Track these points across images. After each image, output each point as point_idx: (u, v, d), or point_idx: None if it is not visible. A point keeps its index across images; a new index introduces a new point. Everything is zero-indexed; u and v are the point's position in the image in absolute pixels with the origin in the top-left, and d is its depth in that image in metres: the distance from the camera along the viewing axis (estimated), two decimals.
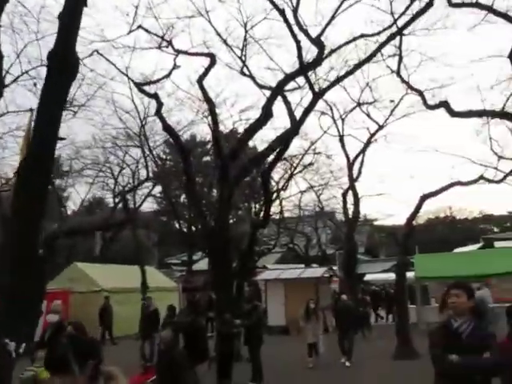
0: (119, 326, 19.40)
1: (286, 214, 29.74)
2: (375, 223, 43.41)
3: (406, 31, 14.55)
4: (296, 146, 22.70)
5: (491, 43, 16.37)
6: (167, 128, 13.69)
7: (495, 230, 60.81)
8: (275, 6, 10.15)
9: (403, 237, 14.94)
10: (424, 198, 15.79)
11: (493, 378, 4.08)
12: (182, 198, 33.41)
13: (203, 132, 27.23)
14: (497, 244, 23.68)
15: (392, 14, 12.29)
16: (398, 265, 14.43)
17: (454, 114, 13.73)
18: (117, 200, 25.73)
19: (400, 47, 14.96)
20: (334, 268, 25.56)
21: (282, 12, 10.03)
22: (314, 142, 22.28)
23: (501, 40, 15.88)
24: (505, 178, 16.93)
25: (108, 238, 29.75)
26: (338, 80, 12.30)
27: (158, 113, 13.86)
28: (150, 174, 22.45)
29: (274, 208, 26.41)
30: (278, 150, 12.66)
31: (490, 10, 12.75)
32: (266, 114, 12.02)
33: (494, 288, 18.92)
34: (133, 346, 17.60)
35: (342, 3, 11.68)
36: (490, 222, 67.20)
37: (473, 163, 16.39)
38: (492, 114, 14.34)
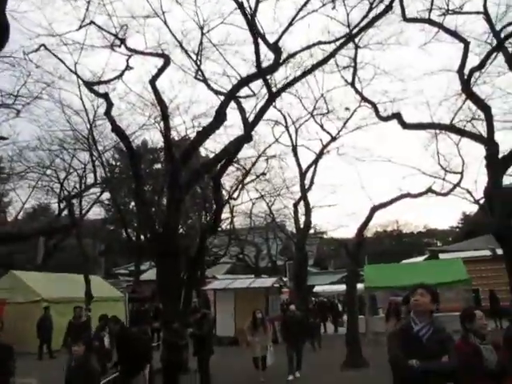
0: (61, 339, 18.43)
1: (237, 224, 29.50)
2: (325, 236, 44.04)
3: (360, 44, 14.84)
4: (248, 154, 22.59)
5: (441, 60, 16.96)
6: (116, 129, 13.08)
7: (438, 243, 63.52)
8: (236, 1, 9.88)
9: (354, 246, 14.96)
10: (374, 209, 15.96)
11: (450, 381, 3.94)
12: (131, 205, 32.48)
13: (155, 138, 26.60)
14: (441, 256, 24.48)
15: (348, 25, 12.39)
16: (349, 275, 14.43)
17: (405, 126, 13.94)
18: (62, 206, 24.53)
19: (355, 59, 15.18)
20: (285, 279, 25.52)
21: (240, 5, 9.80)
22: (267, 147, 22.20)
23: (450, 57, 16.51)
24: (451, 191, 17.47)
25: (51, 245, 28.34)
26: (295, 80, 12.20)
27: (108, 113, 13.28)
28: (98, 179, 21.56)
29: (225, 216, 26.17)
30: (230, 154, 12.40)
31: (441, 27, 13.12)
32: (220, 116, 11.74)
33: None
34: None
35: (298, 12, 11.65)
36: (434, 236, 70.25)
37: (423, 174, 16.84)
38: (440, 128, 14.71)
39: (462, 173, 17.68)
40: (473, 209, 54.69)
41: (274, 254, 31.73)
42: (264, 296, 19.00)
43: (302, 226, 20.79)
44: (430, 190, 16.97)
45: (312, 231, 42.53)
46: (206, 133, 11.97)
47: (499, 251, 21.83)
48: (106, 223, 38.24)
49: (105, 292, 23.03)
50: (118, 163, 31.03)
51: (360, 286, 16.78)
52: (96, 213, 34.13)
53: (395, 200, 16.36)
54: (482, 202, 16.59)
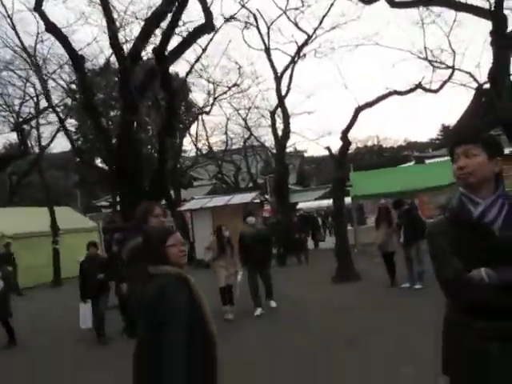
0: (29, 275, 16.95)
1: (213, 142, 27.58)
2: (305, 155, 42.89)
3: None
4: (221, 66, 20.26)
5: None
6: (50, 27, 10.69)
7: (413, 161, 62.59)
8: None
9: (339, 151, 13.23)
10: (359, 109, 14.17)
11: None
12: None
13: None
14: (428, 161, 23.06)
15: None
16: (336, 183, 12.77)
17: (394, 4, 11.78)
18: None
19: None
20: (266, 196, 24.03)
21: None
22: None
23: None
24: (441, 87, 15.74)
25: (15, 181, 26.20)
26: None
27: (38, 7, 10.82)
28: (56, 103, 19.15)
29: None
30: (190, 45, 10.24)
31: None
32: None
33: (426, 205, 18.36)
34: (42, 296, 15.46)
35: None
36: (415, 149, 69.37)
37: (412, 67, 14.98)
38: (435, 3, 12.50)
39: (453, 67, 15.98)
40: (452, 120, 53.48)
41: (255, 173, 30.01)
42: (243, 213, 17.44)
43: (280, 135, 18.86)
44: (419, 86, 15.19)
45: (292, 149, 41.32)
46: (155, 19, 9.66)
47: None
48: (76, 153, 35.74)
49: (76, 223, 21.44)
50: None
51: (346, 199, 15.32)
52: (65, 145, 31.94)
53: (382, 98, 14.54)
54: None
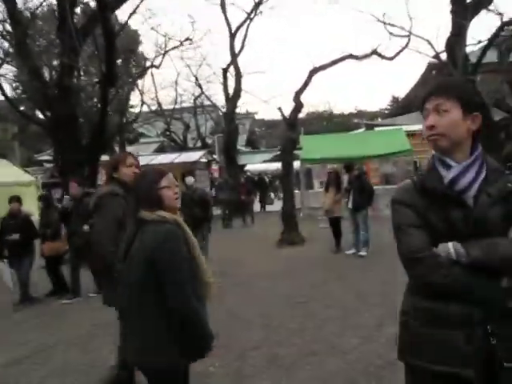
0: None
1: (162, 97, 26.47)
2: (256, 117, 42.37)
3: None
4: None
5: None
6: None
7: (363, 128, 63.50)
8: None
9: (291, 111, 12.84)
10: (314, 71, 13.81)
11: None
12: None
13: None
14: (377, 129, 23.11)
15: None
16: (286, 143, 12.46)
17: None
18: None
19: None
20: (215, 156, 23.46)
21: None
22: None
23: None
24: (397, 54, 15.55)
25: None
26: None
27: None
28: None
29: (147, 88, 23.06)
30: None
31: None
32: None
33: (373, 172, 18.49)
34: None
35: None
36: (364, 117, 70.36)
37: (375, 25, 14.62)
38: None
39: (409, 36, 15.75)
40: (401, 92, 54.24)
41: (204, 132, 29.17)
42: (190, 172, 16.87)
43: (231, 94, 18.22)
44: (375, 52, 14.95)
45: (244, 111, 40.67)
46: None
47: None
48: (12, 103, 33.42)
49: (11, 176, 20.09)
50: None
51: (295, 163, 15.08)
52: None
53: (337, 61, 14.24)
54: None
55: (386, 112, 59.96)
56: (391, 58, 15.20)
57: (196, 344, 2.30)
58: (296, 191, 16.10)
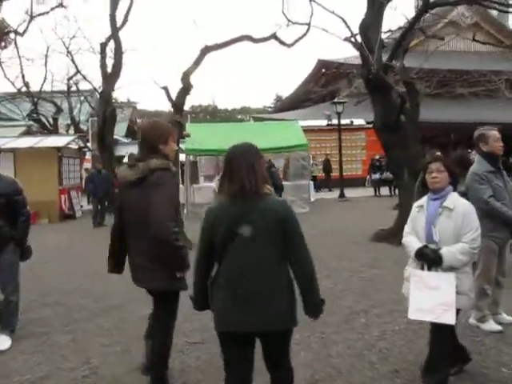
0: None
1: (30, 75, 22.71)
2: (138, 107, 41.02)
3: None
4: None
5: None
6: None
7: (251, 121, 63.65)
8: None
9: (179, 93, 10.89)
10: (206, 50, 12.02)
11: None
12: None
13: None
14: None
15: None
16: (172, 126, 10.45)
17: None
18: None
19: None
20: (89, 145, 20.46)
21: None
22: None
23: None
24: (296, 41, 14.37)
25: None
26: None
27: None
28: None
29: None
30: None
31: None
32: None
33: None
34: None
35: None
36: (248, 113, 70.68)
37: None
38: None
39: (309, 24, 14.69)
40: (286, 92, 54.84)
41: (78, 117, 25.72)
42: (57, 158, 14.11)
43: (109, 72, 15.61)
44: (274, 37, 13.60)
45: (125, 100, 38.11)
46: None
47: (335, 121, 20.57)
48: None
49: None
50: None
51: (181, 156, 13.19)
52: None
53: (232, 42, 12.57)
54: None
55: (270, 110, 60.37)
56: (290, 45, 13.97)
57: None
58: (180, 186, 14.16)
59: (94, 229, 12.60)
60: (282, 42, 13.96)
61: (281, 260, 2.43)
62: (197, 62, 11.90)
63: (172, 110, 10.76)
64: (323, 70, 27.20)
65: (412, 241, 3.28)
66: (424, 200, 3.35)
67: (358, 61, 11.87)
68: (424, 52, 13.55)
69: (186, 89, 11.01)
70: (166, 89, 10.83)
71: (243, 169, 2.44)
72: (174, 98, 11.14)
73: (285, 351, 2.60)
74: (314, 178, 19.64)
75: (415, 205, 3.44)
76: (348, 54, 22.11)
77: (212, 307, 2.56)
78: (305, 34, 14.21)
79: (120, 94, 74.73)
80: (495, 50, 21.71)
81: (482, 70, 16.29)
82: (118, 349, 4.32)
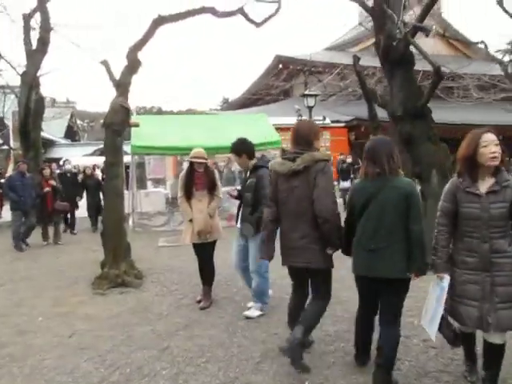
0: None
1: None
2: (78, 108, 38.77)
3: None
4: None
5: None
6: None
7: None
8: None
9: (124, 71, 8.09)
10: (160, 21, 9.29)
11: None
12: None
13: None
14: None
15: None
16: (114, 114, 7.59)
17: None
18: None
19: None
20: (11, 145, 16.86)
21: None
22: None
23: None
24: (265, 21, 12.04)
25: None
26: None
27: None
28: None
29: None
30: None
31: None
32: None
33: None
34: None
35: None
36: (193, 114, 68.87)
37: None
38: None
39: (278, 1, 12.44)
40: (233, 95, 53.02)
41: (1, 111, 21.72)
42: None
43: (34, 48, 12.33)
44: (240, 11, 11.13)
45: (64, 101, 35.76)
46: None
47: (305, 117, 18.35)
48: None
49: None
50: None
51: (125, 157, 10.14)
52: None
53: (193, 13, 9.95)
54: None
55: (217, 112, 57.97)
56: (259, 24, 11.60)
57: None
58: (125, 192, 11.18)
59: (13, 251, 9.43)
60: (249, 20, 11.59)
61: (403, 226, 3.05)
62: (147, 35, 9.15)
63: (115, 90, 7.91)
64: (280, 66, 25.54)
65: None
66: None
67: (320, 58, 9.87)
68: None
69: (132, 66, 8.21)
70: (105, 63, 7.97)
71: (384, 156, 3.12)
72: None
73: (398, 301, 3.20)
74: None
75: None
76: (302, 51, 20.72)
77: (352, 255, 3.33)
78: (275, 13, 11.99)
79: (59, 95, 69.70)
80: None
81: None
82: None
